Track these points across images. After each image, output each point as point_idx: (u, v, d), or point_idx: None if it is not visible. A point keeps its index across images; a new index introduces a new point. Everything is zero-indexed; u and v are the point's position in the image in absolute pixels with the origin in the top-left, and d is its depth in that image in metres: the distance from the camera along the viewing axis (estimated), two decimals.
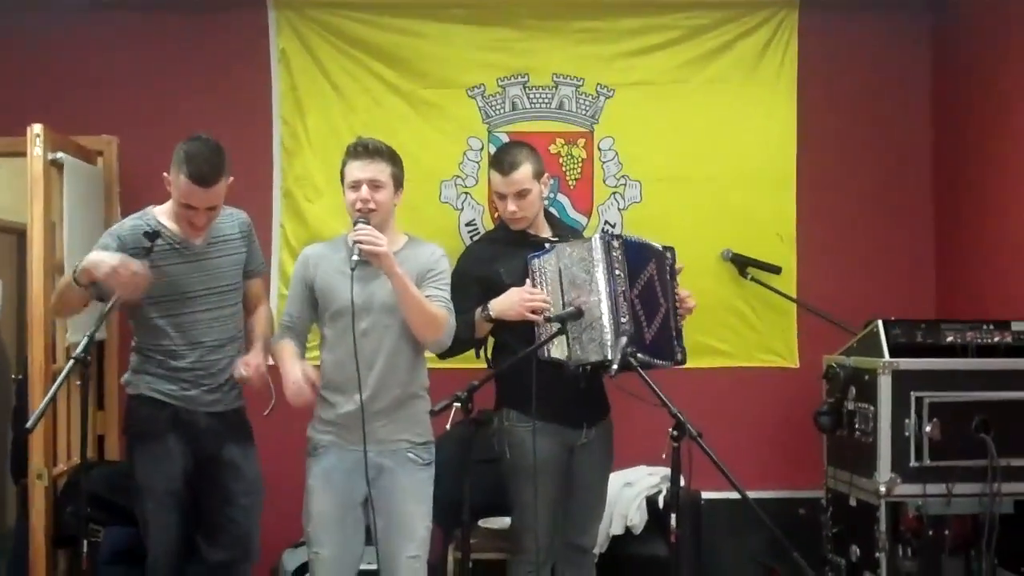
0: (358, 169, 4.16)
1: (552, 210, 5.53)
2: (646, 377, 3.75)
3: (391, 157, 4.22)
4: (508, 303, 4.27)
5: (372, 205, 4.12)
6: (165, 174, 4.12)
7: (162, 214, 4.23)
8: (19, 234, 8.29)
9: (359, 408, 4.09)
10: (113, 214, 5.48)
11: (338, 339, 4.18)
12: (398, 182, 4.24)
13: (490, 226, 5.62)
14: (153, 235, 4.06)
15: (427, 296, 4.13)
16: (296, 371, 4.11)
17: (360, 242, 3.98)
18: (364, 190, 4.13)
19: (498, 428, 4.45)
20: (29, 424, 3.64)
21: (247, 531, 4.35)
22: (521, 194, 4.39)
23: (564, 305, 4.17)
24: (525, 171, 4.38)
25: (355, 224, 4.06)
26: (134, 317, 4.26)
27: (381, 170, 4.16)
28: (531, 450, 4.24)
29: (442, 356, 4.41)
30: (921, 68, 5.97)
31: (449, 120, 5.75)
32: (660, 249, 4.38)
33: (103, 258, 3.88)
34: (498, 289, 4.35)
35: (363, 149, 4.17)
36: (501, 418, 4.45)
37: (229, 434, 4.32)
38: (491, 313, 4.29)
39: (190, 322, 4.20)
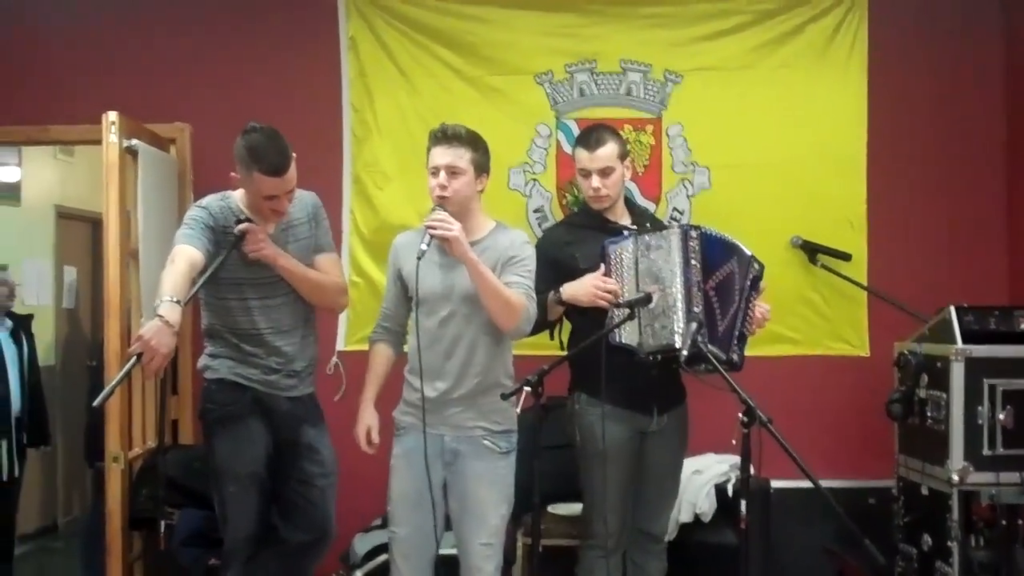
0: (437, 155, 4.12)
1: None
2: (717, 364, 3.74)
3: (472, 142, 4.16)
4: (580, 288, 4.28)
5: (447, 192, 4.08)
6: (233, 174, 4.15)
7: (240, 200, 4.26)
8: (93, 223, 8.46)
9: (439, 394, 4.12)
10: (186, 201, 5.54)
11: (420, 326, 4.18)
12: (480, 168, 4.18)
13: (558, 213, 5.63)
14: (245, 220, 4.11)
15: (506, 283, 4.08)
16: (363, 426, 4.26)
17: (431, 227, 3.98)
18: (441, 176, 4.09)
19: (569, 412, 4.47)
20: (96, 402, 3.60)
21: (325, 512, 4.38)
22: (605, 172, 4.40)
23: (637, 292, 4.17)
24: (611, 149, 4.40)
25: (433, 210, 4.07)
26: (211, 302, 4.27)
27: (459, 156, 4.10)
28: (599, 434, 4.26)
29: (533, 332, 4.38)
30: (995, 52, 5.88)
31: (517, 106, 5.76)
32: (748, 254, 4.28)
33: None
34: (572, 272, 4.36)
35: (442, 135, 4.14)
36: (572, 402, 4.47)
37: (306, 417, 4.36)
38: (562, 296, 4.30)
39: (266, 307, 4.23)
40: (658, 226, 4.49)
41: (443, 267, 4.15)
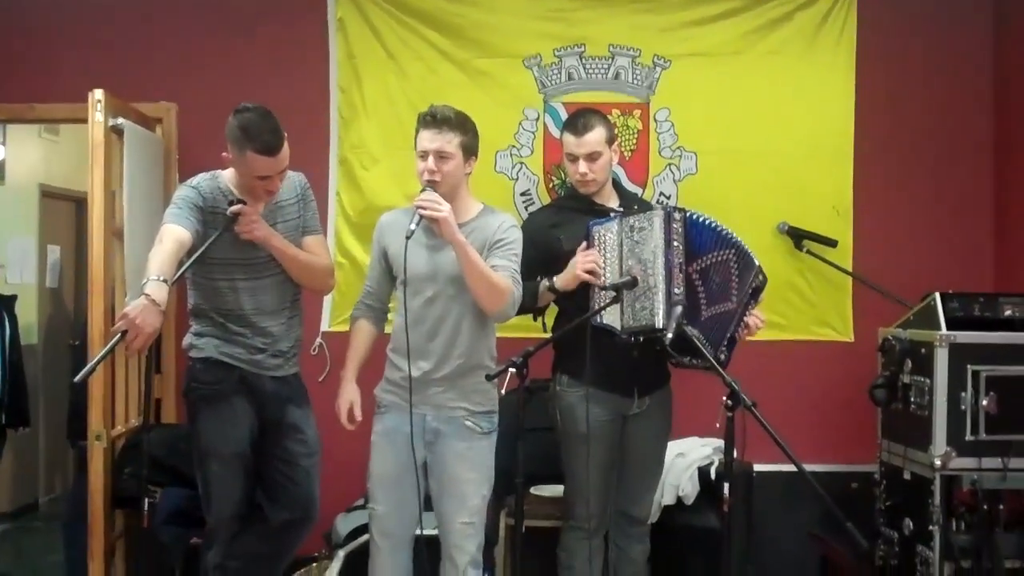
0: (426, 139, 4.11)
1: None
2: (701, 347, 3.74)
3: (461, 126, 4.15)
4: (567, 272, 4.29)
5: (437, 176, 4.09)
6: (225, 154, 4.12)
7: (230, 181, 4.24)
8: (77, 201, 8.45)
9: (422, 374, 4.13)
10: (172, 180, 5.54)
11: (404, 306, 4.17)
12: (469, 151, 4.18)
13: (545, 197, 5.64)
14: (237, 202, 4.09)
15: (492, 266, 4.09)
16: (345, 400, 4.24)
17: (421, 207, 3.98)
18: (430, 160, 4.10)
19: (551, 393, 4.48)
20: (78, 377, 3.55)
21: (308, 492, 4.39)
22: (592, 156, 4.40)
23: (622, 274, 4.17)
24: (598, 134, 4.40)
25: (422, 191, 4.06)
26: (198, 281, 4.26)
27: (448, 140, 4.10)
28: (580, 416, 4.27)
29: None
30: (982, 40, 5.89)
31: (505, 90, 5.75)
32: (756, 264, 4.19)
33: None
34: (557, 255, 4.37)
35: (431, 118, 4.12)
36: (554, 383, 4.48)
37: (291, 397, 4.37)
38: (556, 285, 4.30)
39: (253, 287, 4.23)
40: (645, 208, 4.48)
41: (430, 248, 4.15)
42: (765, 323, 4.40)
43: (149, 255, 3.83)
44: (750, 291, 4.23)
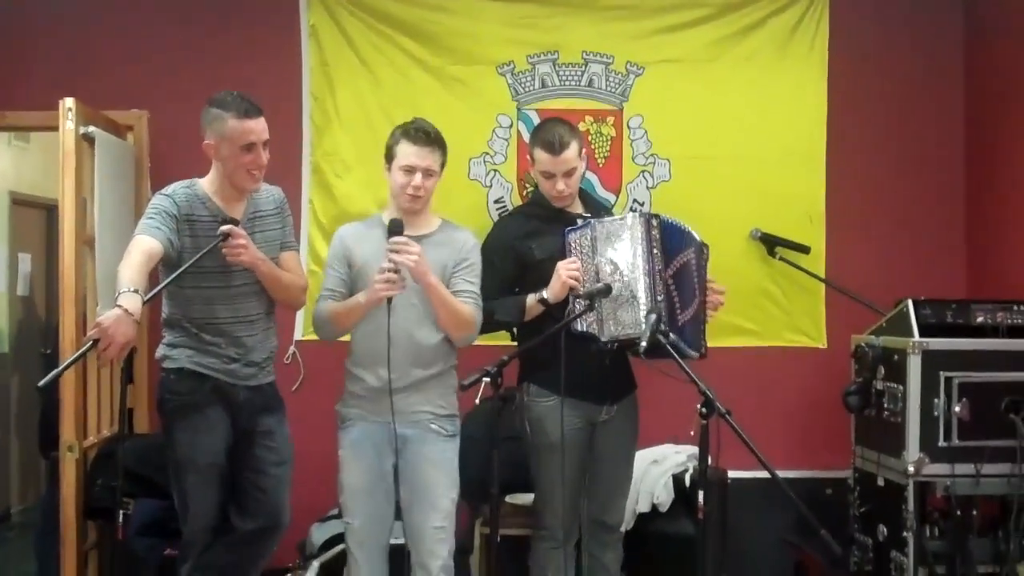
0: (415, 155, 4.19)
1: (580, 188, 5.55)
2: (675, 355, 3.74)
3: (442, 144, 4.28)
4: (555, 282, 4.24)
5: (422, 192, 4.20)
6: (208, 142, 4.10)
7: (208, 188, 4.21)
8: (48, 209, 8.39)
9: (385, 383, 4.12)
10: (143, 188, 5.51)
11: (367, 317, 4.19)
12: (443, 167, 4.32)
13: (519, 204, 5.62)
14: (230, 221, 4.04)
15: (457, 290, 4.22)
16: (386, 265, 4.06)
17: (394, 252, 4.01)
18: (418, 177, 4.18)
19: (519, 403, 4.45)
20: (42, 383, 3.55)
21: (276, 500, 4.35)
22: (569, 173, 4.39)
23: (598, 279, 4.16)
24: (573, 150, 4.37)
25: (389, 235, 4.05)
26: (172, 291, 4.19)
27: (436, 159, 4.24)
28: (551, 426, 4.28)
29: (480, 332, 4.43)
30: (953, 46, 5.93)
31: (478, 97, 5.74)
32: (700, 241, 4.29)
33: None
34: (530, 264, 4.37)
35: (424, 136, 4.21)
36: (521, 392, 4.45)
37: (265, 406, 4.33)
38: (548, 298, 4.26)
39: (227, 297, 4.18)
40: (609, 214, 4.50)
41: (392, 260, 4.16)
42: (724, 293, 4.42)
43: (119, 268, 3.81)
44: (705, 272, 4.30)
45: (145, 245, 3.93)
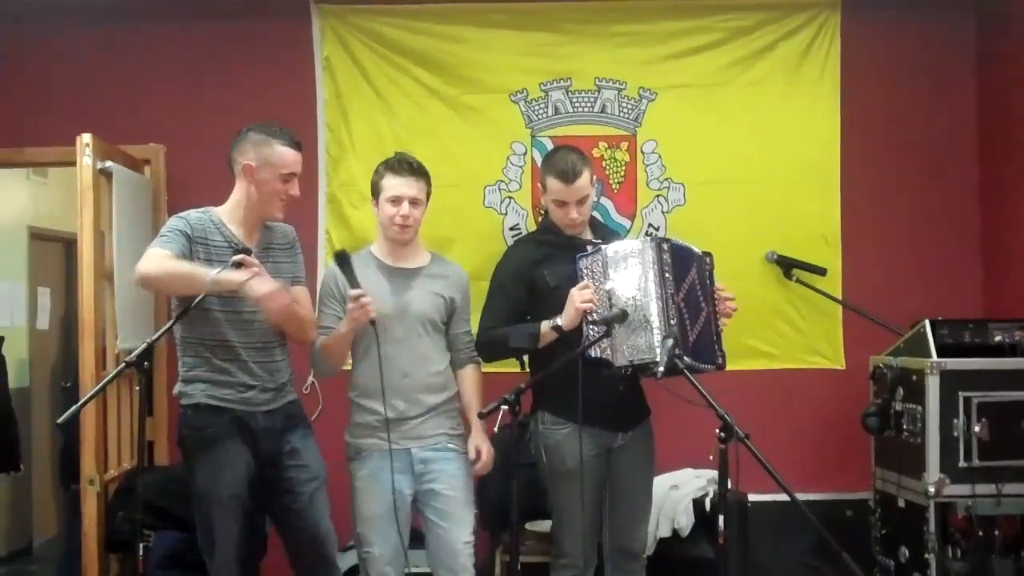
0: (402, 185, 4.34)
1: (596, 214, 5.55)
2: (692, 379, 3.74)
3: (426, 174, 4.43)
4: (568, 309, 4.22)
5: (411, 221, 4.35)
6: (246, 162, 4.18)
7: (223, 216, 4.24)
8: (66, 243, 8.42)
9: (398, 414, 4.28)
10: (160, 221, 5.46)
11: (370, 349, 4.29)
12: (428, 197, 4.46)
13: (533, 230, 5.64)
14: (244, 251, 4.08)
15: (459, 332, 4.50)
16: (355, 293, 4.14)
17: (354, 310, 4.13)
18: (406, 206, 4.32)
19: (533, 432, 4.44)
20: (61, 419, 3.61)
21: (314, 522, 4.33)
22: (582, 201, 4.39)
23: (610, 306, 4.16)
24: (586, 178, 4.37)
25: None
26: (189, 321, 4.18)
27: (421, 188, 4.38)
28: (567, 453, 4.28)
29: (487, 360, 4.52)
30: (966, 67, 5.93)
31: (492, 125, 5.76)
32: (700, 253, 4.34)
33: (264, 283, 3.96)
34: (542, 291, 4.36)
35: (408, 167, 4.37)
36: (536, 421, 4.44)
37: (287, 426, 4.32)
38: (562, 326, 4.23)
39: (244, 322, 4.19)
40: (619, 239, 4.52)
41: (393, 292, 4.35)
42: (735, 300, 4.41)
43: (170, 269, 3.94)
44: (708, 281, 4.33)
45: (164, 252, 4.00)
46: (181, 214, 4.22)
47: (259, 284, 3.95)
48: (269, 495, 4.29)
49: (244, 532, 4.24)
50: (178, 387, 4.28)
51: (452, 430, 4.41)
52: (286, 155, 4.20)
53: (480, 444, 4.38)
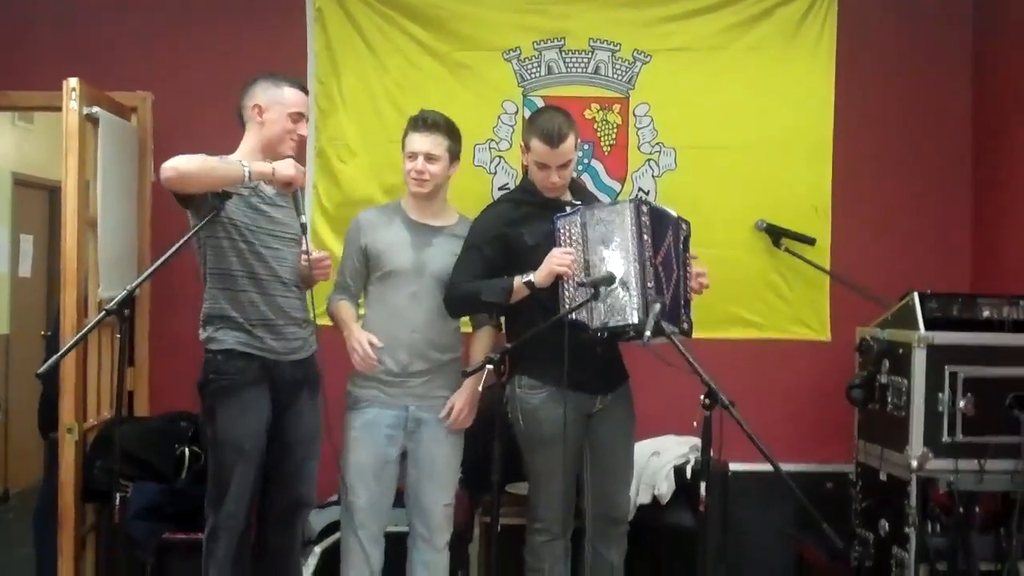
0: (417, 141, 4.41)
1: (586, 176, 5.52)
2: (679, 345, 3.71)
3: (448, 131, 4.46)
4: (543, 267, 4.20)
5: (426, 176, 4.39)
6: (256, 103, 4.28)
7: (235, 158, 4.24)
8: (51, 190, 8.37)
9: (403, 367, 4.38)
10: (147, 170, 5.49)
11: (383, 300, 4.43)
12: (454, 155, 4.49)
13: None
14: (224, 195, 4.09)
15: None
16: (363, 335, 4.34)
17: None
18: (419, 161, 4.39)
19: (510, 395, 4.39)
20: (41, 370, 3.58)
21: (297, 479, 4.39)
22: (565, 165, 4.35)
23: (587, 267, 4.12)
24: (571, 142, 4.32)
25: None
26: (212, 265, 4.22)
27: (438, 143, 4.41)
28: (545, 418, 4.28)
29: (455, 315, 4.51)
30: (962, 37, 5.89)
31: (483, 83, 5.70)
32: (676, 217, 4.31)
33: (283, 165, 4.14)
34: (519, 251, 4.33)
35: (422, 122, 4.43)
36: (513, 385, 4.39)
37: (305, 382, 4.36)
38: (535, 282, 4.21)
39: (266, 262, 4.23)
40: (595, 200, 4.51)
41: (414, 246, 4.43)
42: (705, 274, 4.40)
43: (202, 161, 3.98)
44: (682, 246, 4.31)
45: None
46: None
47: (283, 166, 4.13)
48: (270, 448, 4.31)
49: (257, 483, 4.27)
50: (205, 332, 4.27)
51: (452, 392, 4.46)
52: (293, 96, 4.31)
53: (455, 399, 4.42)
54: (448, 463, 4.47)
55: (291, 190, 4.20)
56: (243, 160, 4.08)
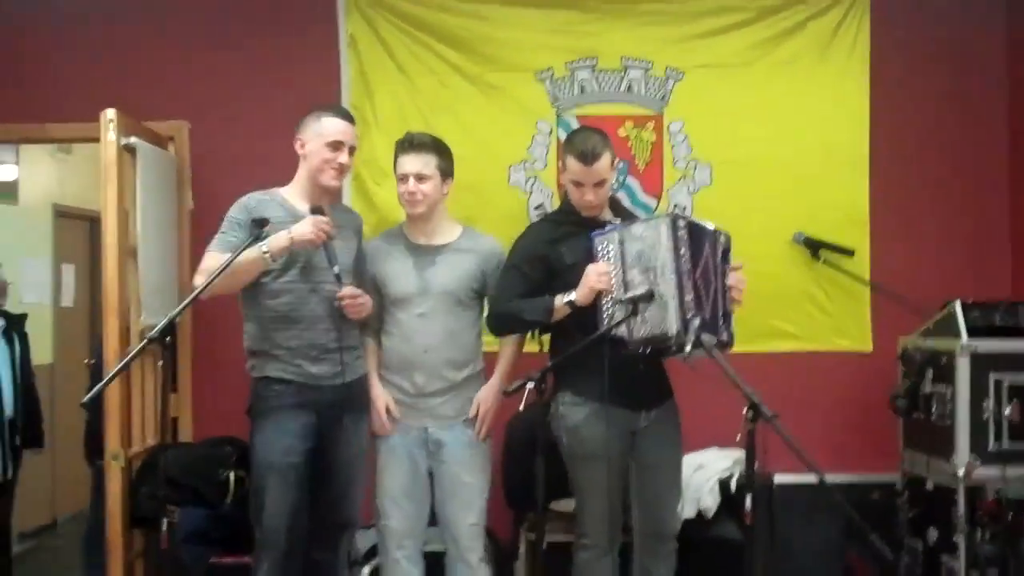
0: (406, 163, 4.44)
1: (622, 193, 5.52)
2: (720, 359, 3.70)
3: (437, 149, 4.48)
4: (582, 286, 4.20)
5: (419, 196, 4.42)
6: (299, 138, 4.38)
7: (287, 193, 4.39)
8: (91, 220, 8.44)
9: (418, 389, 4.43)
10: (185, 199, 5.53)
11: (396, 323, 4.47)
12: (445, 173, 4.50)
13: None
14: (317, 209, 4.23)
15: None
16: (381, 401, 4.47)
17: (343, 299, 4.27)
18: (411, 182, 4.42)
19: (554, 412, 4.39)
20: (85, 399, 3.71)
21: (342, 499, 4.44)
22: (600, 183, 4.35)
23: (626, 284, 4.12)
24: (606, 161, 4.33)
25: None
26: (255, 295, 4.30)
27: (427, 163, 4.43)
28: (588, 435, 4.28)
29: (499, 333, 4.57)
30: (997, 46, 5.86)
31: (517, 103, 5.72)
32: (713, 230, 4.29)
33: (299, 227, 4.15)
34: (559, 270, 4.34)
35: (410, 144, 4.47)
36: (556, 402, 4.39)
37: (348, 406, 4.38)
38: (576, 301, 4.21)
39: (314, 293, 4.29)
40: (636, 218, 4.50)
41: (416, 268, 4.47)
42: (744, 281, 4.38)
43: (216, 273, 3.99)
44: (720, 258, 4.29)
45: (212, 255, 4.19)
46: (242, 198, 4.36)
47: (300, 227, 4.13)
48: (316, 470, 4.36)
49: (297, 503, 4.29)
50: (249, 362, 4.40)
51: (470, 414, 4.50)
52: (330, 124, 4.34)
53: (480, 397, 4.50)
54: (472, 483, 4.47)
55: (316, 247, 4.21)
56: (263, 245, 4.10)
